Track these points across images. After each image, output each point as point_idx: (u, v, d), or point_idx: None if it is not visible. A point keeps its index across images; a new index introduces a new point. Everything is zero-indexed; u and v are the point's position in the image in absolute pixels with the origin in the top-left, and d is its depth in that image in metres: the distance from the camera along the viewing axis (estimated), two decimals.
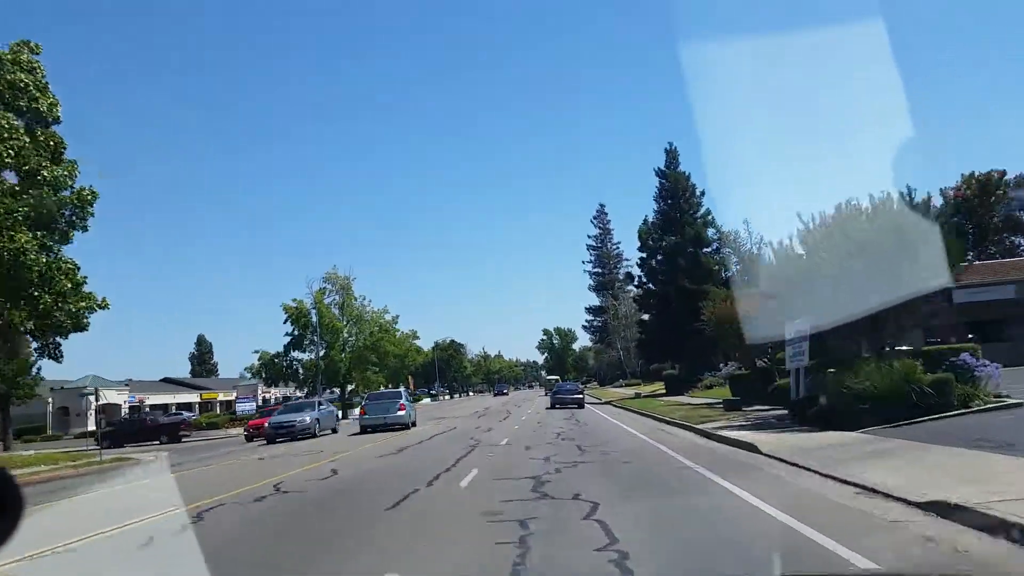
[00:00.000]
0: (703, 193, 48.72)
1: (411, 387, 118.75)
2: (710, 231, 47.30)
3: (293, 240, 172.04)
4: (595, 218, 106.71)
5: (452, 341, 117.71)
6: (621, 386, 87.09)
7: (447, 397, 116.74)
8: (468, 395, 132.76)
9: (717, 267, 47.56)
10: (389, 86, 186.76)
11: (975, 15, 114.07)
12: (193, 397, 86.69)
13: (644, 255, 50.70)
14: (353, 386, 65.01)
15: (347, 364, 57.05)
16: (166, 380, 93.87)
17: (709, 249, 47.27)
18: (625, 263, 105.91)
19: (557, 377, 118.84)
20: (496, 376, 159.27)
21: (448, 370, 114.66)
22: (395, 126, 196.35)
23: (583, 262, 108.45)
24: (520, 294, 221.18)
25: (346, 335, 58.66)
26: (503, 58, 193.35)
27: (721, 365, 44.19)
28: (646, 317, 52.83)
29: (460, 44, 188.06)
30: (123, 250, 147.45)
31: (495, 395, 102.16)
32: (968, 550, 5.71)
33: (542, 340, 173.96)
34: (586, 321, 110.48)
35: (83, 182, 27.71)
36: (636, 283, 51.48)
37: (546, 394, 67.63)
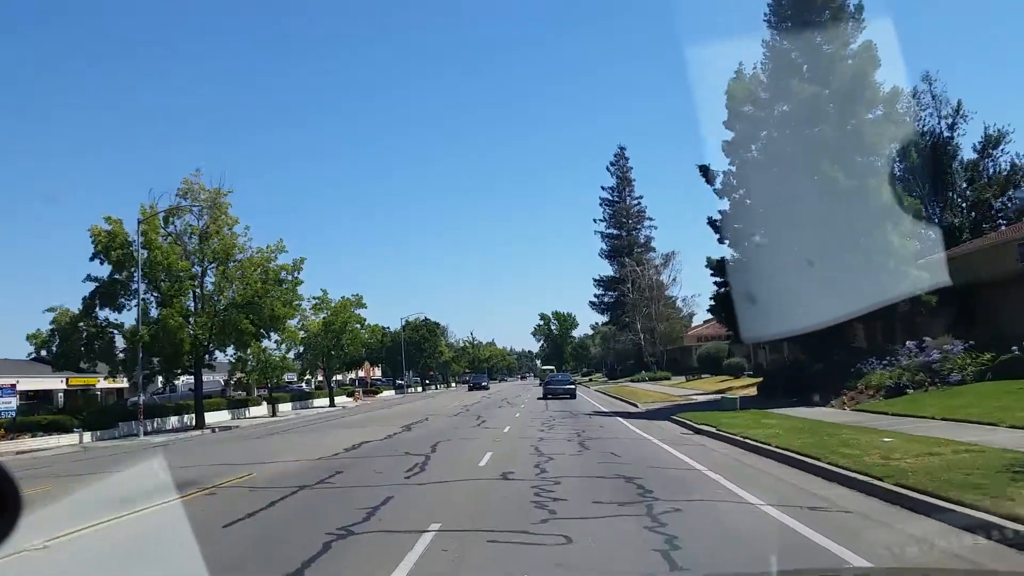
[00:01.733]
0: (861, 6, 24.57)
1: (367, 374, 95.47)
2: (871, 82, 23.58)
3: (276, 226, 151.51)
4: (612, 164, 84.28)
5: (426, 319, 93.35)
6: (645, 380, 63.70)
7: (418, 389, 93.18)
8: (450, 386, 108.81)
9: (879, 158, 24.19)
10: (379, 66, 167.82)
11: None
12: (57, 383, 63.32)
13: (734, 133, 25.40)
14: (242, 375, 41.93)
15: (208, 332, 33.58)
16: (39, 359, 70.59)
17: (872, 116, 23.63)
18: (648, 224, 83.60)
19: (553, 368, 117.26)
20: (485, 365, 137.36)
21: (420, 355, 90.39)
22: (386, 114, 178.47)
23: (595, 220, 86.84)
24: (520, 283, 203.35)
25: (210, 286, 35.29)
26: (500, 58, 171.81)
27: (911, 344, 20.89)
28: (729, 256, 27.69)
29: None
30: None
31: (470, 388, 75.94)
32: None
33: (538, 326, 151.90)
34: (595, 296, 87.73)
35: None
36: (718, 187, 25.80)
37: (541, 385, 60.11)
